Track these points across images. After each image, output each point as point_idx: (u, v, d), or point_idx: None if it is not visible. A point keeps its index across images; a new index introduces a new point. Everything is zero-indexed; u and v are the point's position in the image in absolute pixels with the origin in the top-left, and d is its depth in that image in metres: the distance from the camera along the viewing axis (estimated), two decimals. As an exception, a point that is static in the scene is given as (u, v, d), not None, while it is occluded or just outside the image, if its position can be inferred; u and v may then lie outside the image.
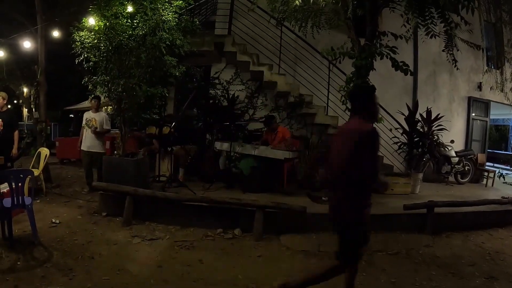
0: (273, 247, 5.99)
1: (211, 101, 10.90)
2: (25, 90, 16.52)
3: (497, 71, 13.64)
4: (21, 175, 5.41)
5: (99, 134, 8.55)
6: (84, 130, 8.63)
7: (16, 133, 8.19)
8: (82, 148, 8.62)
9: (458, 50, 7.65)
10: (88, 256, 5.19)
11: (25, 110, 23.70)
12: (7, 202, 5.30)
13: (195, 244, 5.88)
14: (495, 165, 19.93)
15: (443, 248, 6.39)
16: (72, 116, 20.98)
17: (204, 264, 5.20)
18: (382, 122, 8.40)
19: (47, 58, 9.58)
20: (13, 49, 10.16)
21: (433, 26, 6.71)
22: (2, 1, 10.99)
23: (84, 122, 8.67)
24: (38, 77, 9.45)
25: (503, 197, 9.19)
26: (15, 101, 21.85)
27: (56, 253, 5.21)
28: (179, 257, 5.38)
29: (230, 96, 10.80)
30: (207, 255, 5.51)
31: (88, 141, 8.55)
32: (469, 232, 7.31)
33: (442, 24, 6.82)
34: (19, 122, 21.44)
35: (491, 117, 15.24)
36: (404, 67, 6.96)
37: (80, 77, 7.84)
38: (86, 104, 17.84)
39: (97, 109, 8.78)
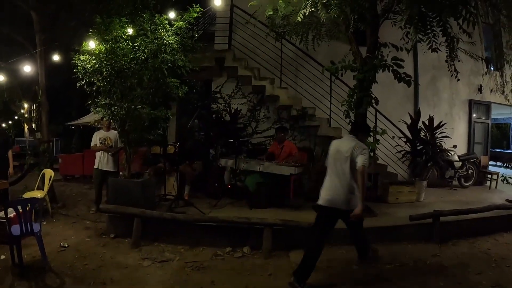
0: (283, 264, 5.99)
1: (213, 116, 10.90)
2: (26, 105, 16.45)
3: (497, 73, 13.66)
4: (29, 205, 5.41)
5: (115, 153, 8.60)
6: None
7: (10, 152, 8.33)
8: (98, 167, 8.58)
9: (459, 60, 7.67)
10: (100, 282, 5.19)
11: (26, 126, 23.66)
12: (15, 230, 5.31)
13: (205, 265, 5.88)
14: (497, 163, 19.97)
15: (450, 257, 6.42)
16: (73, 127, 20.95)
17: (216, 286, 5.21)
18: (385, 133, 8.44)
19: (47, 73, 9.55)
20: (13, 71, 10.11)
21: (435, 40, 6.71)
22: (2, 23, 10.97)
23: (98, 142, 8.64)
24: (40, 97, 9.43)
25: (507, 200, 9.24)
26: (15, 117, 21.81)
27: (68, 280, 5.21)
28: (190, 280, 5.39)
29: (233, 110, 10.77)
30: (218, 275, 5.51)
31: (104, 161, 8.55)
32: (475, 238, 7.36)
33: (446, 37, 6.83)
34: (21, 138, 21.58)
35: (492, 117, 15.24)
36: (406, 78, 6.97)
37: (81, 91, 7.78)
38: (87, 119, 17.89)
39: (109, 127, 8.78)
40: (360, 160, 4.94)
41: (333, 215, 5.19)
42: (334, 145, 5.44)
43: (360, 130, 5.58)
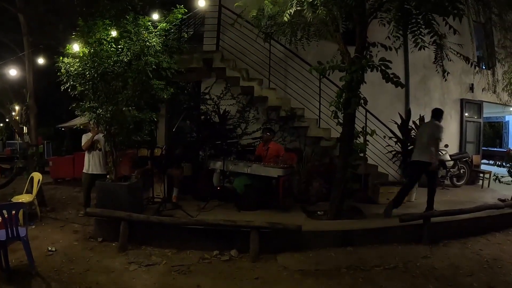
0: (270, 267, 5.95)
1: (202, 117, 10.83)
2: (17, 108, 16.35)
3: (489, 71, 13.64)
4: (13, 211, 5.34)
5: (104, 156, 8.47)
6: (89, 154, 8.45)
7: None
8: (87, 172, 8.41)
9: (450, 60, 7.64)
10: (86, 286, 5.14)
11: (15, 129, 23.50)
12: (1, 235, 5.26)
13: (192, 268, 5.83)
14: (490, 161, 19.94)
15: (441, 258, 6.36)
16: (63, 129, 20.81)
17: (202, 290, 5.16)
18: (375, 133, 8.41)
19: (37, 75, 9.44)
20: (2, 73, 9.98)
21: (421, 37, 6.66)
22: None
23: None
24: (28, 100, 9.34)
25: (499, 199, 9.24)
26: (7, 120, 21.77)
27: (54, 284, 5.17)
28: (176, 284, 5.34)
29: (222, 111, 10.70)
30: (205, 279, 5.46)
31: (93, 165, 8.41)
32: (467, 238, 7.32)
33: (431, 33, 6.78)
34: (12, 141, 21.49)
35: (484, 115, 15.25)
36: (395, 79, 6.90)
37: (71, 93, 7.64)
38: (77, 121, 17.75)
39: (97, 130, 8.67)
40: (437, 135, 7.86)
41: (418, 166, 8.00)
42: (422, 125, 9.01)
43: (439, 115, 8.19)
